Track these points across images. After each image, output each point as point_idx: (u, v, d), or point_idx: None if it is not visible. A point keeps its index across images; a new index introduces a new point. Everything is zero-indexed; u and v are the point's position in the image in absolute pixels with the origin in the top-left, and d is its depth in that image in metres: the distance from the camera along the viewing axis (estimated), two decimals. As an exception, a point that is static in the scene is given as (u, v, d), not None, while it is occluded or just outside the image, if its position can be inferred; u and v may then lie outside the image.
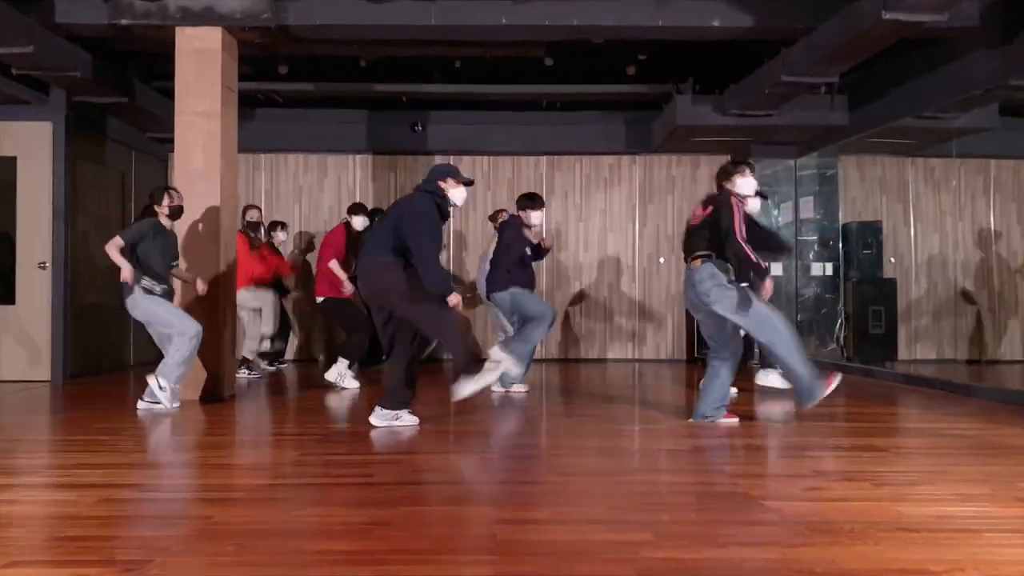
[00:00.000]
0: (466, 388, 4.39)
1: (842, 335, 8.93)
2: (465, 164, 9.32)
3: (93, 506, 2.90)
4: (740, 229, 4.44)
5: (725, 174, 4.77)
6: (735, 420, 4.64)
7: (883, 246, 9.02)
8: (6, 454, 3.95)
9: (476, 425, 4.75)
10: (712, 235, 4.51)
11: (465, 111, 9.04)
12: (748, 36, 6.21)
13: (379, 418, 4.50)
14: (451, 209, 4.71)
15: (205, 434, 4.56)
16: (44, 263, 7.16)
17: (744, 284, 4.55)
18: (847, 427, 4.72)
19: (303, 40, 6.28)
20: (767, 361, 6.19)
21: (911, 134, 8.48)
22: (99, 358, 7.81)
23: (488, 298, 6.32)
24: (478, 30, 6.10)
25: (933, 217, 9.50)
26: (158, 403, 5.17)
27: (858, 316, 8.69)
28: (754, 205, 5.10)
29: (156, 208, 5.50)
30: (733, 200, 4.56)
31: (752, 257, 4.42)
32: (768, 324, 4.46)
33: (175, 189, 5.60)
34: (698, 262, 4.53)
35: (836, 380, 4.47)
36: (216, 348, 5.80)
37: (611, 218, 9.44)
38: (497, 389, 6.12)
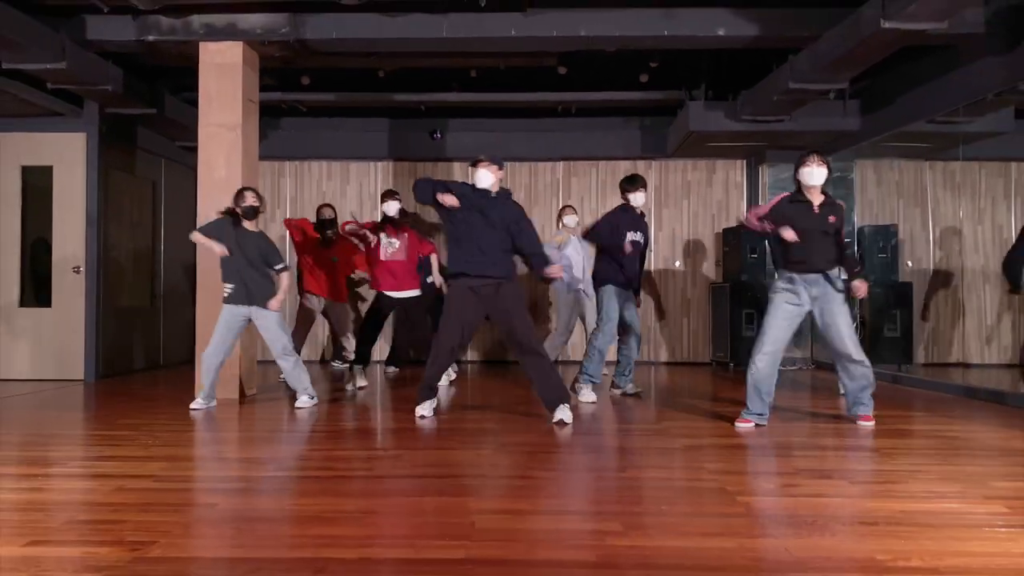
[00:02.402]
0: None
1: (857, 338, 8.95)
2: (483, 170, 9.53)
3: (108, 494, 3.13)
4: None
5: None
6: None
7: (898, 250, 9.04)
8: (34, 446, 4.23)
9: (485, 423, 4.92)
10: None
11: (482, 119, 9.25)
12: (754, 45, 6.31)
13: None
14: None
15: (221, 431, 4.80)
16: (78, 268, 7.50)
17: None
18: (845, 428, 4.81)
19: (321, 53, 6.53)
20: None
21: (924, 138, 8.50)
22: (130, 358, 8.15)
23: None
24: (489, 42, 6.29)
25: (952, 221, 9.48)
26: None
27: (873, 319, 8.73)
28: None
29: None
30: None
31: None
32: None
33: (250, 189, 5.73)
34: None
35: None
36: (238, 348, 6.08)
37: (627, 223, 9.56)
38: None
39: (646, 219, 6.35)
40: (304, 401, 5.57)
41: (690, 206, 9.58)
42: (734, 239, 9.01)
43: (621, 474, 3.50)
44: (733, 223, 9.41)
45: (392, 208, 6.72)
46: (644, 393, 6.43)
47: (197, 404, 5.53)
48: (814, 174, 4.79)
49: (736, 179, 9.60)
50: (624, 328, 6.20)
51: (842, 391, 5.42)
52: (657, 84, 8.18)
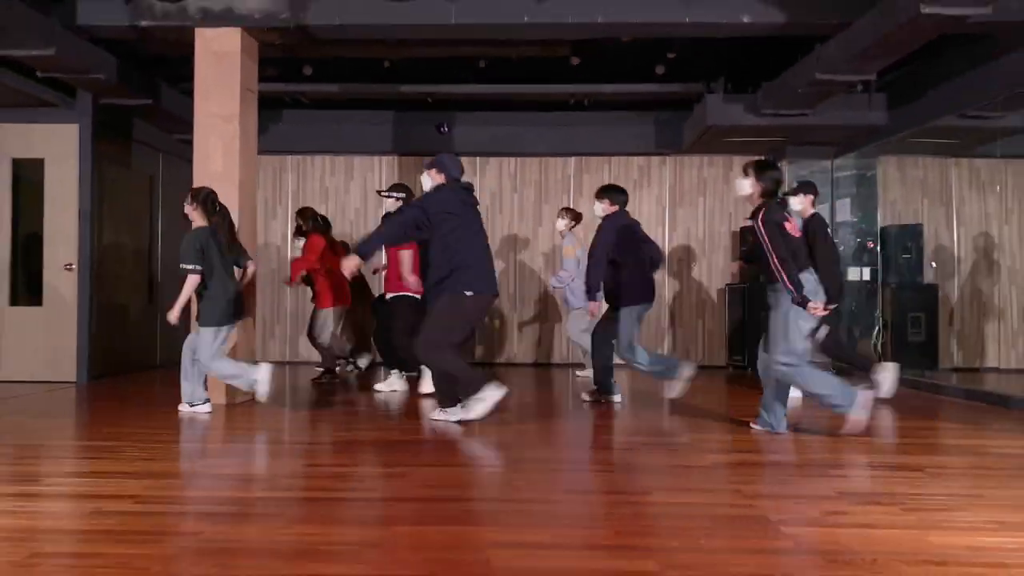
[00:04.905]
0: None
1: (880, 343, 8.62)
2: (491, 165, 9.22)
3: (83, 519, 2.82)
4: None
5: None
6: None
7: (924, 251, 8.69)
8: (8, 460, 3.92)
9: (497, 436, 4.60)
10: None
11: (491, 112, 8.92)
12: (780, 32, 5.98)
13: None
14: None
15: (210, 442, 4.49)
16: (71, 264, 7.19)
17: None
18: (879, 443, 4.48)
19: (323, 41, 6.21)
20: None
21: (954, 134, 8.14)
22: (125, 359, 7.84)
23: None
24: (500, 28, 5.97)
25: (978, 221, 9.13)
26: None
27: (897, 323, 8.38)
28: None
29: None
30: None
31: None
32: None
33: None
34: None
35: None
36: (233, 352, 5.76)
37: (640, 220, 9.16)
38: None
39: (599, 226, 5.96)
40: (185, 408, 5.30)
41: (706, 204, 9.24)
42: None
43: (648, 498, 3.17)
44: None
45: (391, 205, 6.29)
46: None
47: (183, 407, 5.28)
48: (736, 185, 4.89)
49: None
50: None
51: None
52: (674, 76, 7.84)
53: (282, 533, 2.68)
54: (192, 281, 5.14)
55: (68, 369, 7.15)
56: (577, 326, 7.21)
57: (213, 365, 5.13)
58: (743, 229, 8.91)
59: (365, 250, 4.84)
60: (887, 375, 6.01)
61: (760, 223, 4.47)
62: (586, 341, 6.69)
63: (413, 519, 2.86)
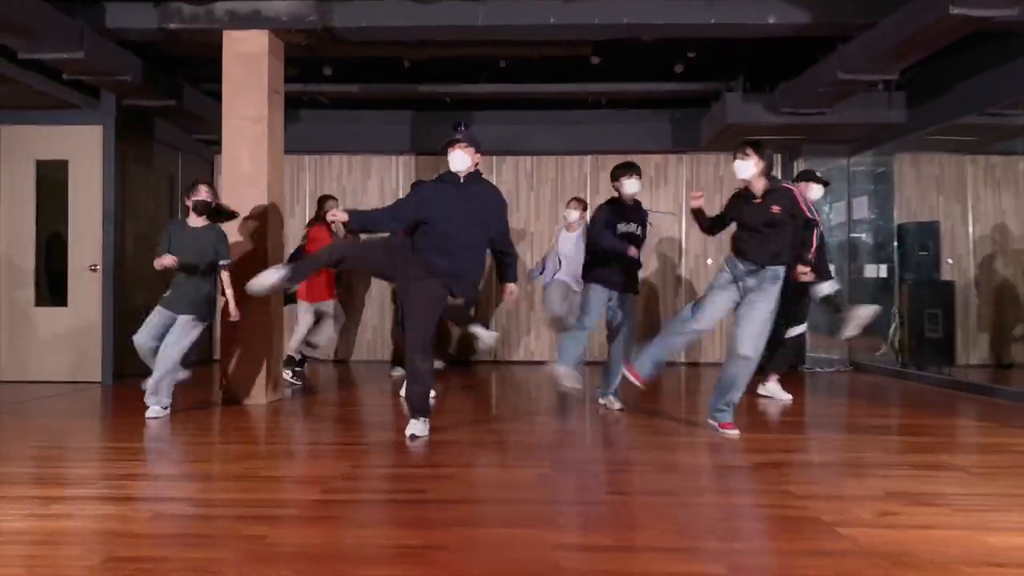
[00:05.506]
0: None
1: (896, 339, 8.67)
2: (508, 164, 9.24)
3: (145, 523, 2.86)
4: None
5: None
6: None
7: (940, 247, 8.72)
8: (55, 462, 3.96)
9: (530, 436, 4.64)
10: None
11: (508, 111, 8.93)
12: (805, 33, 5.99)
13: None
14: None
15: (253, 443, 4.52)
16: (95, 265, 7.22)
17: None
18: (912, 441, 4.52)
19: (348, 42, 6.21)
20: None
21: (972, 131, 8.17)
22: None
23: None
24: (526, 30, 5.98)
25: (993, 217, 9.16)
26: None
27: (913, 320, 8.41)
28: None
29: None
30: None
31: None
32: None
33: (205, 183, 5.44)
34: None
35: None
36: (265, 351, 5.80)
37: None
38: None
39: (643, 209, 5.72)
40: (155, 411, 5.24)
41: (723, 200, 9.22)
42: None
43: (699, 499, 3.21)
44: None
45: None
46: (626, 410, 5.58)
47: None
48: (737, 168, 4.83)
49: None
50: (611, 334, 5.64)
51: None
52: (693, 75, 7.86)
53: (346, 536, 2.72)
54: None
55: (92, 369, 7.18)
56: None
57: (178, 358, 5.22)
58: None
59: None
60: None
61: (806, 199, 4.60)
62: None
63: (471, 521, 2.90)
